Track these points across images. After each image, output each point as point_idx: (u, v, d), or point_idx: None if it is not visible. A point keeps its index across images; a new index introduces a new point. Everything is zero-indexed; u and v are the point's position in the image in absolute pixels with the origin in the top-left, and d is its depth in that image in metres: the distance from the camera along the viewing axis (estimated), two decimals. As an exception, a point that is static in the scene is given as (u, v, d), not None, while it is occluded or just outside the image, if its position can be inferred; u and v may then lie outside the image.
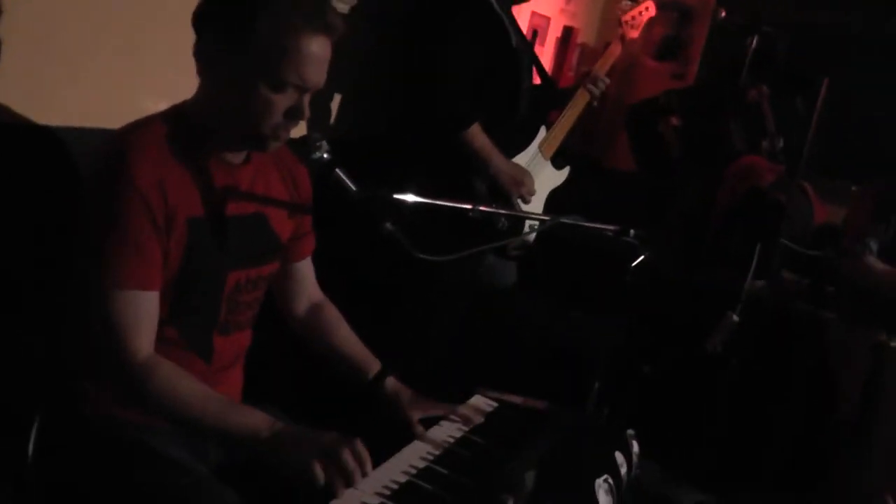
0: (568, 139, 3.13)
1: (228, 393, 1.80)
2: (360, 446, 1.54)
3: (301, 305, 2.05)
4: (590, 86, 3.11)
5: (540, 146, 2.99)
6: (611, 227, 2.16)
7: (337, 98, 2.99)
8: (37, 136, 1.90)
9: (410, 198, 1.77)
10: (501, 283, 3.05)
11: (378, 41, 3.02)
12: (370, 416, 2.01)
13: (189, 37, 1.61)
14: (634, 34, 3.29)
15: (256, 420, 1.59)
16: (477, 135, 2.73)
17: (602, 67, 3.17)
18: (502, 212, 2.18)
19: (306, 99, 1.63)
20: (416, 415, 1.98)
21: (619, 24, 3.30)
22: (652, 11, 3.32)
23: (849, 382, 3.24)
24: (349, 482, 1.51)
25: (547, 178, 3.08)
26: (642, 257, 2.14)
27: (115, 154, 1.55)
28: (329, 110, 2.99)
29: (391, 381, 2.01)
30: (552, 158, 3.08)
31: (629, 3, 3.30)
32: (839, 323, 3.38)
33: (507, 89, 2.91)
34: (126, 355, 1.54)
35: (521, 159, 2.94)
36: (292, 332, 2.06)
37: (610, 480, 1.78)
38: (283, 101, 1.59)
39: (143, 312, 1.55)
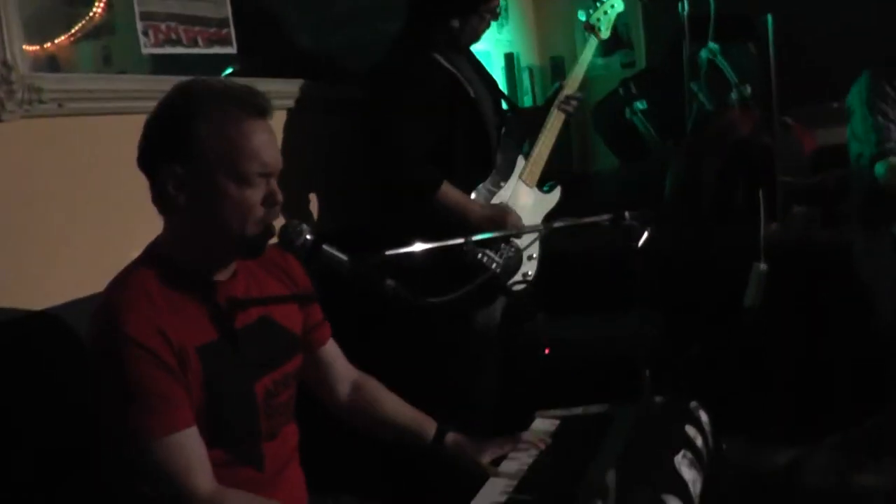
0: (550, 161, 3.11)
1: (291, 493, 1.79)
2: None
3: (342, 390, 2.03)
4: (564, 106, 3.08)
5: (521, 177, 2.97)
6: (605, 217, 2.16)
7: (314, 197, 3.01)
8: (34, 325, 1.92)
9: (402, 249, 1.78)
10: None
11: (346, 130, 3.05)
12: (440, 474, 2.00)
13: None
14: (607, 34, 3.25)
15: None
16: (448, 193, 2.72)
17: (574, 83, 3.14)
18: (495, 235, 2.14)
19: (274, 183, 1.63)
20: (486, 459, 1.97)
21: (587, 30, 3.24)
22: (619, 6, 3.28)
23: (883, 287, 3.20)
24: None
25: (537, 206, 3.02)
26: (646, 235, 2.13)
27: (105, 317, 1.54)
28: (310, 211, 3.01)
29: (451, 436, 2.00)
30: (538, 184, 3.06)
31: (589, 11, 3.26)
32: (862, 234, 3.34)
33: (476, 143, 2.90)
34: (188, 494, 1.52)
35: (504, 195, 2.91)
36: (342, 421, 2.05)
37: (689, 454, 1.76)
38: (255, 193, 1.59)
39: (188, 451, 1.54)
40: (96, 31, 3.49)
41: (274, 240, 1.68)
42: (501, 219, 2.78)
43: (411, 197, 2.71)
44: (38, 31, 2.23)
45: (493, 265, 2.78)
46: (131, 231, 1.78)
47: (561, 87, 3.13)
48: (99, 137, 2.12)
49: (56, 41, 2.97)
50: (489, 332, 2.89)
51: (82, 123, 2.10)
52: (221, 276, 1.69)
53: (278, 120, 2.72)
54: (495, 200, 2.86)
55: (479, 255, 2.72)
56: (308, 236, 1.67)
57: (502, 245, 2.80)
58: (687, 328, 3.35)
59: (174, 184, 1.58)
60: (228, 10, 2.47)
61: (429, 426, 2.01)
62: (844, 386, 3.33)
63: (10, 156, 1.91)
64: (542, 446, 2.01)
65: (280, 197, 1.63)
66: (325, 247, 1.68)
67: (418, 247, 1.86)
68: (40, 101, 1.97)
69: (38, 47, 2.23)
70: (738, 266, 3.27)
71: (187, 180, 1.57)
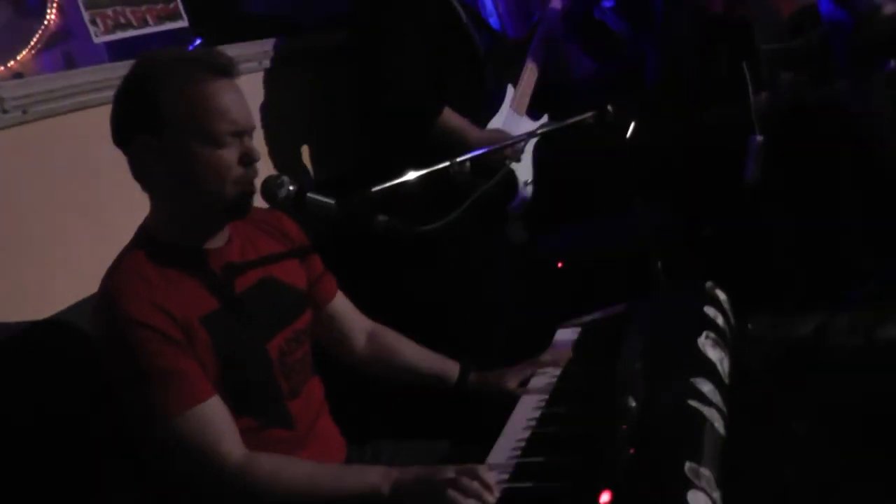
0: (538, 88, 3.08)
1: (327, 446, 1.80)
2: (479, 469, 1.48)
3: (358, 342, 2.03)
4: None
5: (512, 105, 2.95)
6: (589, 115, 2.13)
7: (304, 151, 2.99)
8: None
9: (388, 183, 1.75)
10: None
11: (337, 76, 3.03)
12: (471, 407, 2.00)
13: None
14: None
15: (373, 478, 1.55)
16: (450, 117, 2.70)
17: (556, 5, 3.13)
18: (481, 151, 2.09)
19: (248, 142, 1.61)
20: (513, 384, 1.97)
21: None
22: None
23: (883, 131, 3.15)
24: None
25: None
26: (632, 126, 2.10)
27: (105, 305, 1.55)
28: (301, 166, 2.99)
29: (473, 375, 2.01)
30: (528, 112, 3.03)
31: None
32: (852, 84, 3.28)
33: (469, 69, 2.88)
34: (219, 464, 1.53)
35: (496, 122, 2.90)
36: (362, 372, 2.05)
37: (711, 334, 1.75)
38: (229, 153, 1.58)
39: (213, 421, 1.54)
40: (54, 38, 3.47)
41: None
42: (499, 143, 2.75)
43: (413, 125, 2.68)
44: None
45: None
46: (121, 220, 1.77)
47: (540, 20, 3.15)
48: (69, 135, 2.09)
49: (18, 58, 2.94)
50: (498, 254, 2.88)
51: (50, 125, 2.07)
52: (214, 244, 1.68)
53: (253, 82, 2.70)
54: (490, 126, 2.84)
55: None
56: (291, 187, 1.66)
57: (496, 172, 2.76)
58: (694, 213, 3.32)
59: (149, 156, 1.57)
60: (173, -17, 2.41)
61: (451, 368, 2.02)
62: (859, 243, 3.30)
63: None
64: (563, 364, 2.00)
65: (257, 154, 1.62)
66: (309, 194, 1.66)
67: (407, 177, 1.82)
68: (3, 111, 1.95)
69: (2, 68, 2.21)
70: (733, 144, 3.23)
71: (161, 150, 1.56)
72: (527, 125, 2.99)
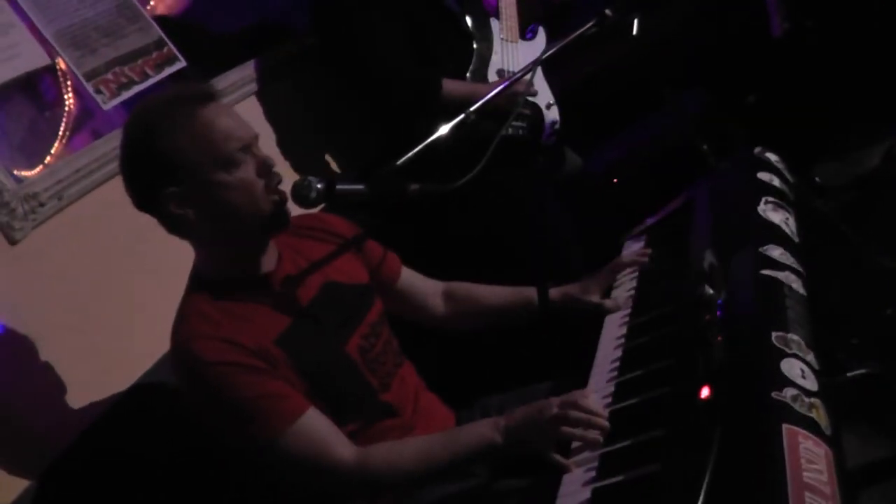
0: (524, 12, 3.00)
1: (434, 419, 1.82)
2: (582, 396, 1.49)
3: (436, 306, 2.05)
4: None
5: (501, 37, 2.89)
6: (590, 24, 2.09)
7: (325, 155, 3.02)
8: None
9: (410, 154, 1.75)
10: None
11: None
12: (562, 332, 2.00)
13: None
14: None
15: (484, 431, 1.56)
16: (453, 87, 2.64)
17: None
18: (493, 92, 2.06)
19: (259, 151, 1.62)
20: (596, 297, 1.96)
21: None
22: None
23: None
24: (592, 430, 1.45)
25: (529, 55, 2.90)
26: (636, 22, 2.06)
27: (179, 355, 1.58)
28: (327, 162, 3.02)
29: (554, 291, 1.99)
30: (521, 35, 2.96)
31: None
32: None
33: (444, 24, 2.81)
34: (336, 470, 1.56)
35: (496, 62, 2.81)
36: (450, 333, 2.07)
37: (770, 198, 1.72)
38: (247, 170, 1.59)
39: (317, 430, 1.57)
40: (79, 121, 3.53)
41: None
42: (511, 90, 2.71)
43: (422, 110, 2.59)
44: (32, 152, 2.27)
45: (518, 131, 2.73)
46: (183, 267, 1.77)
47: None
48: (108, 204, 2.12)
49: (52, 152, 3.00)
50: (549, 190, 2.86)
51: (88, 201, 2.14)
52: (267, 267, 1.69)
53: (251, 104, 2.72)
54: (491, 69, 2.79)
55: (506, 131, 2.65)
56: (319, 185, 1.65)
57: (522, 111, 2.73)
58: (732, 85, 3.23)
59: (176, 204, 1.57)
60: (158, 30, 2.44)
61: (529, 293, 2.00)
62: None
63: (45, 264, 1.97)
64: (645, 259, 2.00)
65: (271, 161, 1.62)
66: (338, 186, 1.66)
67: (432, 137, 1.82)
68: (41, 205, 2.01)
69: (40, 167, 2.27)
70: (753, 3, 3.14)
71: (185, 195, 1.57)
72: (525, 49, 2.92)
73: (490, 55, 2.81)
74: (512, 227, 2.58)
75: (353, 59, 2.64)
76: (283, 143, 2.75)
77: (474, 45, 2.79)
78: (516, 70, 2.77)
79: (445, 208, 1.99)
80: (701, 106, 3.02)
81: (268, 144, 2.65)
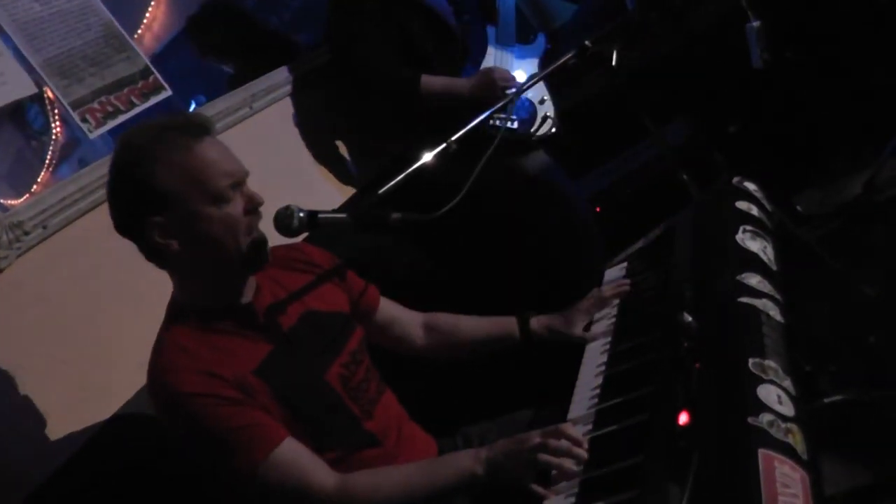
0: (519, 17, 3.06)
1: (417, 449, 1.81)
2: (564, 427, 1.49)
3: (416, 336, 2.05)
4: None
5: (497, 41, 2.96)
6: (570, 55, 2.11)
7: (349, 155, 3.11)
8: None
9: (390, 183, 1.77)
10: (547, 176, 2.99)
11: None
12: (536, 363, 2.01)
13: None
14: None
15: (465, 463, 1.57)
16: (430, 81, 2.77)
17: None
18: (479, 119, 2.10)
19: (248, 190, 1.62)
20: (578, 330, 1.96)
21: None
22: None
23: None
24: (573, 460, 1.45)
25: (524, 57, 3.00)
26: (615, 53, 2.09)
27: (156, 386, 1.58)
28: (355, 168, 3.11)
29: (534, 321, 2.00)
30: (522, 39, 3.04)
31: None
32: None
33: (435, 30, 2.93)
34: (319, 497, 1.56)
35: (488, 62, 2.92)
36: (431, 363, 2.07)
37: (748, 227, 1.73)
38: (235, 206, 1.59)
39: (296, 458, 1.57)
40: (66, 150, 3.54)
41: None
42: (489, 78, 2.79)
43: (401, 102, 2.79)
44: (18, 180, 2.27)
45: (509, 123, 2.80)
46: (164, 301, 1.78)
47: None
48: (94, 233, 2.13)
49: (39, 180, 2.98)
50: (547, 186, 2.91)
51: (73, 230, 2.13)
52: (246, 298, 1.69)
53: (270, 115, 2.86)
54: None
55: (491, 122, 2.70)
56: (301, 214, 1.67)
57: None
58: (713, 115, 3.27)
59: (160, 233, 1.57)
60: (144, 59, 2.46)
61: (510, 323, 2.01)
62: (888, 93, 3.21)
63: (25, 293, 1.96)
64: (625, 288, 1.99)
65: (260, 198, 1.63)
66: (320, 215, 1.68)
67: (408, 169, 1.84)
68: (25, 233, 2.01)
69: (27, 196, 2.27)
70: (732, 37, 3.18)
71: (170, 225, 1.56)
72: (521, 53, 3.01)
73: (482, 60, 2.93)
74: (502, 248, 2.63)
75: (346, 62, 2.83)
76: (312, 148, 2.97)
77: (467, 51, 2.95)
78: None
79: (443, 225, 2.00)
80: (683, 138, 3.06)
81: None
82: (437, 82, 2.79)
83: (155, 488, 1.85)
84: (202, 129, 1.60)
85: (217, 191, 1.56)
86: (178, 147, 1.56)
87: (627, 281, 2.03)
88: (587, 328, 1.96)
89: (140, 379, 1.85)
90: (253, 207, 1.61)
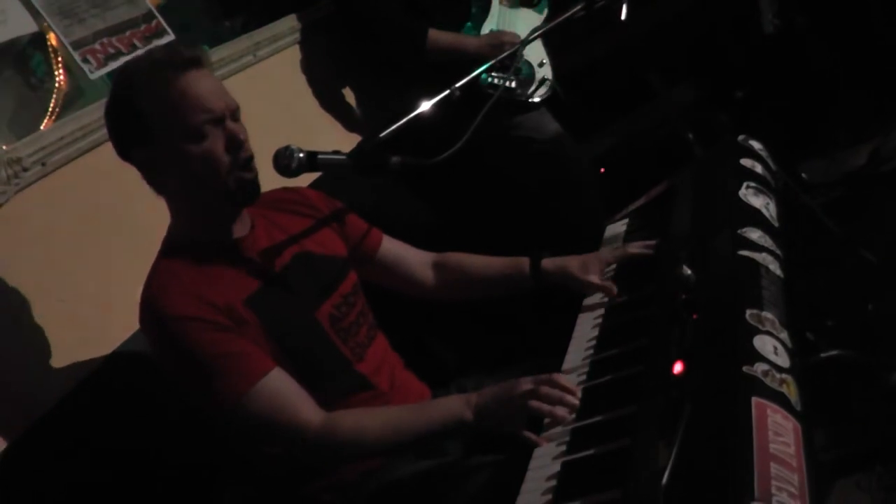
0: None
1: (410, 396, 1.80)
2: (556, 375, 1.48)
3: (425, 276, 2.02)
4: None
5: (501, 2, 2.93)
6: (577, 8, 2.08)
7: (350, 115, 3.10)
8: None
9: (392, 124, 1.75)
10: (544, 135, 2.97)
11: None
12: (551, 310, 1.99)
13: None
14: None
15: (454, 407, 1.55)
16: (437, 36, 2.76)
17: None
18: (481, 70, 2.07)
19: (232, 125, 1.59)
20: (595, 277, 1.89)
21: None
22: None
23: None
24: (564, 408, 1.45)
25: (529, 22, 2.96)
26: (625, 7, 2.06)
27: (148, 311, 1.57)
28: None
29: (547, 262, 1.95)
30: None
31: None
32: None
33: None
34: (301, 433, 1.54)
35: (489, 25, 2.89)
36: (442, 303, 2.05)
37: (751, 183, 1.72)
38: (214, 143, 1.57)
39: (282, 390, 1.55)
40: (70, 97, 3.51)
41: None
42: (498, 40, 2.77)
43: (408, 55, 2.77)
44: (21, 127, 2.26)
45: (507, 82, 2.78)
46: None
47: None
48: (93, 172, 2.13)
49: (42, 127, 2.96)
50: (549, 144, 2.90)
51: (72, 168, 2.12)
52: (239, 233, 1.69)
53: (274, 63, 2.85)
54: (484, 30, 2.88)
55: (490, 80, 2.72)
56: (300, 154, 1.66)
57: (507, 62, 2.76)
58: (723, 78, 3.23)
59: (149, 165, 1.60)
60: (147, 3, 2.43)
61: (522, 263, 1.97)
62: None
63: (25, 230, 1.95)
64: (650, 251, 1.89)
65: (242, 136, 1.60)
66: (320, 156, 1.66)
67: (410, 114, 1.82)
68: (24, 170, 2.00)
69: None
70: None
71: (156, 157, 1.58)
72: (525, 14, 2.98)
73: (484, 18, 2.90)
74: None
75: (354, 13, 2.83)
76: (321, 98, 2.97)
77: (472, 9, 2.90)
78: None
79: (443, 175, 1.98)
80: (689, 100, 3.03)
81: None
82: (445, 37, 2.78)
83: (152, 427, 1.84)
84: (189, 62, 1.58)
85: (194, 126, 1.55)
86: (161, 80, 1.56)
87: (653, 242, 1.93)
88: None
89: (137, 319, 1.87)
90: (234, 144, 1.59)
